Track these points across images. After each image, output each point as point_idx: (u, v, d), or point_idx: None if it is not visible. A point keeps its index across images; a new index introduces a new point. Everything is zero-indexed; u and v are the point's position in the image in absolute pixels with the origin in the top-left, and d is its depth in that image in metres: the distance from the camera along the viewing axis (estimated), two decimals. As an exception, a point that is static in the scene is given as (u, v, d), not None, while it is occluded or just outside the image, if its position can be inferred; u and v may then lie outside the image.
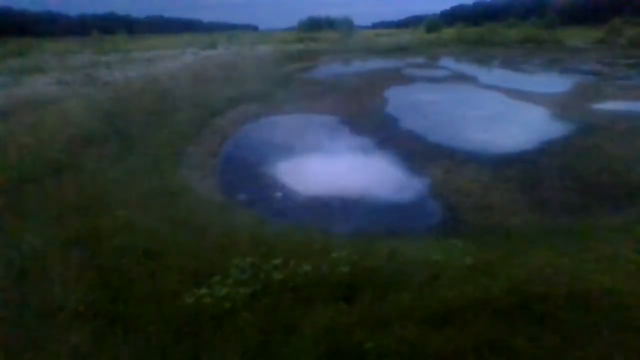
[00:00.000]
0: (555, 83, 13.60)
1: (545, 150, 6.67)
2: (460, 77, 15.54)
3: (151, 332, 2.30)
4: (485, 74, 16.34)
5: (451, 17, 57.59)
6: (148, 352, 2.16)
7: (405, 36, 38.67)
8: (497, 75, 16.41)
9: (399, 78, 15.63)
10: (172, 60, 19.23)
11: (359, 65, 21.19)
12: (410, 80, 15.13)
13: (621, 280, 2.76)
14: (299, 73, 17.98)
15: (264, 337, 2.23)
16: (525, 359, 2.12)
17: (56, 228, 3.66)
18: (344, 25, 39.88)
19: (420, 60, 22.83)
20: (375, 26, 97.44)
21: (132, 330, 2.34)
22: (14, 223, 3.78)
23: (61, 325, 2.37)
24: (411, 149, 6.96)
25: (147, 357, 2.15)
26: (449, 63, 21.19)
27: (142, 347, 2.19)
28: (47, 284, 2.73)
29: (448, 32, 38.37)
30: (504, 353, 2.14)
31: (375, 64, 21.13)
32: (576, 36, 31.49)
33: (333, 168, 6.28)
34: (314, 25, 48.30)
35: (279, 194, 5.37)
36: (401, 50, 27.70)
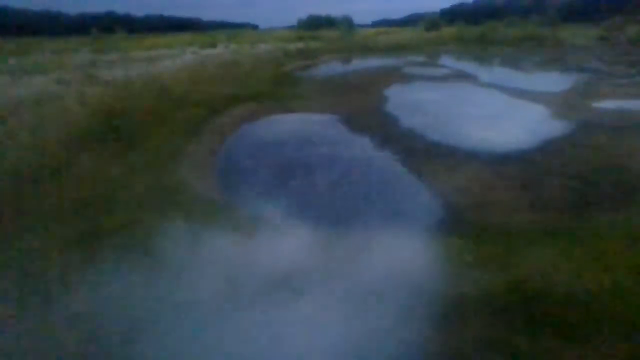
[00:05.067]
0: (555, 81, 13.57)
1: (546, 148, 6.67)
2: (461, 76, 15.52)
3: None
4: (485, 73, 16.31)
5: (451, 15, 57.36)
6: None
7: (405, 34, 38.60)
8: (497, 73, 16.38)
9: (399, 76, 15.61)
10: (172, 59, 19.19)
11: (359, 63, 21.16)
12: (411, 78, 15.11)
13: (621, 278, 2.77)
14: (299, 71, 17.95)
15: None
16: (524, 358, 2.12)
17: (55, 228, 3.67)
18: (344, 24, 39.77)
19: (420, 58, 22.78)
20: (375, 24, 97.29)
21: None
22: (14, 223, 3.78)
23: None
24: (411, 148, 6.96)
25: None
26: (449, 61, 21.14)
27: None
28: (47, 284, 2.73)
29: (448, 31, 38.28)
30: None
31: (375, 62, 21.09)
32: (576, 34, 31.41)
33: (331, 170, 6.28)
34: (314, 23, 48.25)
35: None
36: (401, 48, 27.64)
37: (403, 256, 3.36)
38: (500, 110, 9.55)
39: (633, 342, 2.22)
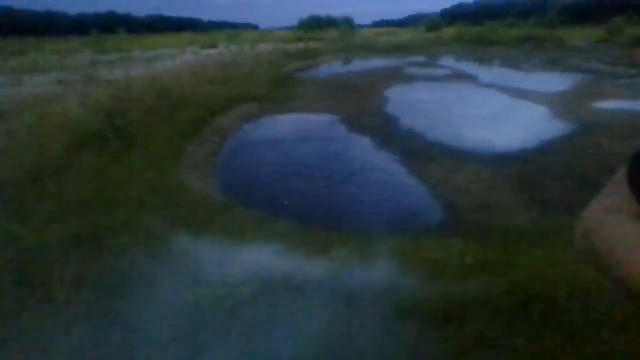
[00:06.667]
0: (555, 82, 13.57)
1: (546, 149, 6.67)
2: (461, 76, 15.53)
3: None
4: (485, 73, 16.31)
5: (451, 16, 57.48)
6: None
7: (405, 35, 38.67)
8: (498, 74, 16.38)
9: (399, 77, 15.62)
10: (172, 59, 19.22)
11: (359, 64, 21.17)
12: (411, 79, 15.11)
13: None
14: (300, 72, 17.97)
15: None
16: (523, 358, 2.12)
17: (56, 227, 3.67)
18: (344, 24, 39.87)
19: (420, 59, 22.79)
20: (375, 25, 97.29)
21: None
22: (14, 222, 3.78)
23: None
24: (411, 148, 6.96)
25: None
26: (449, 62, 21.16)
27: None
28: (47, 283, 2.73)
29: (448, 31, 38.36)
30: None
31: (376, 62, 21.10)
32: (577, 35, 31.43)
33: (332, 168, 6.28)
34: (315, 24, 48.33)
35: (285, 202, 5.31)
36: (401, 49, 27.67)
37: (403, 257, 3.36)
38: (501, 111, 9.56)
39: (632, 341, 2.21)
